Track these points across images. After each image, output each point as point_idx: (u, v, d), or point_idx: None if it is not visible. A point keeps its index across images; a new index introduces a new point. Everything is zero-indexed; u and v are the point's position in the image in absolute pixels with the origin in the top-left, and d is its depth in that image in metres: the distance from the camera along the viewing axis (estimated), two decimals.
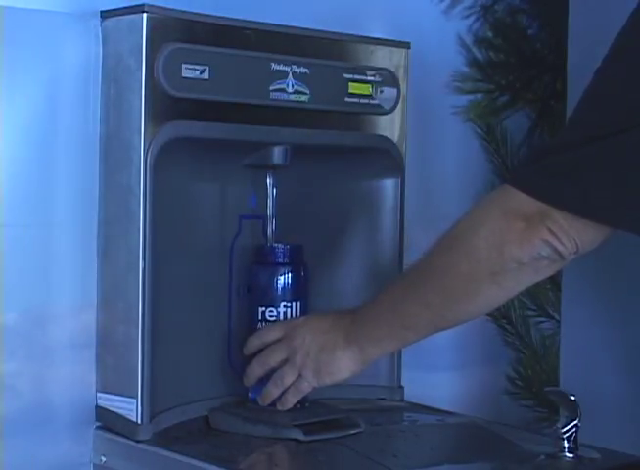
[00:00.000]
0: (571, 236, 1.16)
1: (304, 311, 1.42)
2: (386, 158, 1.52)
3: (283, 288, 1.41)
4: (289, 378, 1.35)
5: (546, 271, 1.21)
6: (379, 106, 1.49)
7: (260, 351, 1.38)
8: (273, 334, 1.38)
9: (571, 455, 1.26)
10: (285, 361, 1.35)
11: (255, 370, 1.38)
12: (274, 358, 1.36)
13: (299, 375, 1.34)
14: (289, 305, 1.41)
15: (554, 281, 1.87)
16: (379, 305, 1.31)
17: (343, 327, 1.32)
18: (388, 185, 1.54)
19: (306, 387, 1.35)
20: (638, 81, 1.12)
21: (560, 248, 1.16)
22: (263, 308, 1.41)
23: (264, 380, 1.38)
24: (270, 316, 1.41)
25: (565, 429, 1.26)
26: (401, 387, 1.55)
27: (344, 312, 1.35)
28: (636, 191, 1.13)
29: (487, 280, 1.20)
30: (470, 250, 1.20)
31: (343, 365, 1.32)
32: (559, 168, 1.15)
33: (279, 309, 1.41)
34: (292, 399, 1.36)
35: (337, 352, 1.32)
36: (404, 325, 1.28)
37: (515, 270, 1.19)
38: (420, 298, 1.25)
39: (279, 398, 1.37)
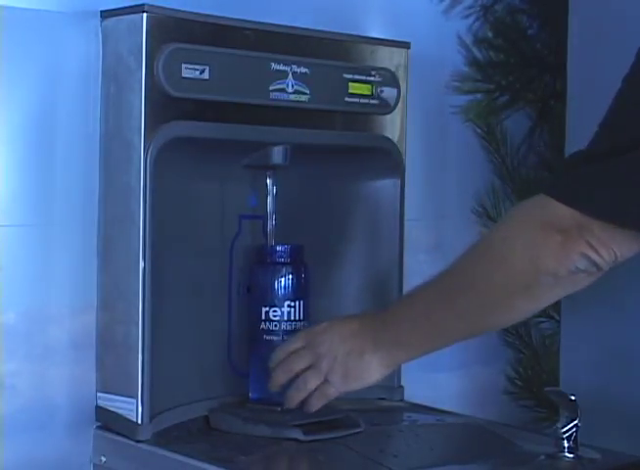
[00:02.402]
0: (609, 247, 1.14)
1: (306, 311, 1.42)
2: (386, 158, 1.52)
3: (287, 288, 1.41)
4: (313, 382, 1.33)
5: (583, 283, 1.20)
6: (379, 106, 1.49)
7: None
8: (296, 344, 1.35)
9: (571, 455, 1.26)
10: (308, 368, 1.33)
11: (279, 377, 1.35)
12: (298, 365, 1.34)
13: (326, 380, 1.32)
14: (292, 304, 1.41)
15: None
16: (411, 309, 1.30)
17: (372, 330, 1.30)
18: (388, 185, 1.54)
19: (333, 392, 1.33)
20: None
21: (598, 260, 1.15)
22: (267, 308, 1.41)
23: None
24: (274, 316, 1.41)
25: (565, 429, 1.26)
26: (401, 387, 1.55)
27: (370, 315, 1.34)
28: None
29: (522, 293, 1.19)
30: (505, 262, 1.19)
31: (373, 369, 1.30)
32: (594, 178, 1.13)
33: (283, 309, 1.41)
34: (316, 404, 1.33)
35: (365, 356, 1.30)
36: (436, 333, 1.27)
37: (551, 284, 1.18)
38: (453, 306, 1.24)
39: (303, 402, 1.34)
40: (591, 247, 1.14)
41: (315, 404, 1.34)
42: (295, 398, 1.34)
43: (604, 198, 1.13)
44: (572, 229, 1.14)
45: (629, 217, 1.13)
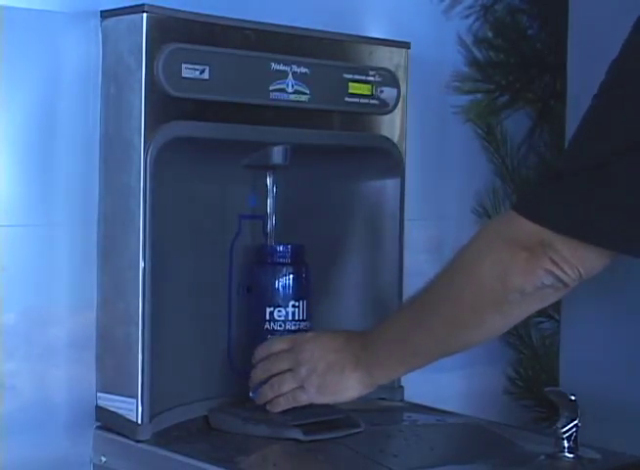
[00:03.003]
0: (573, 264, 1.15)
1: (309, 311, 1.43)
2: (386, 158, 1.52)
3: (291, 288, 1.42)
4: (287, 385, 1.35)
5: (550, 298, 1.21)
6: (379, 106, 1.49)
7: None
8: (280, 345, 1.38)
9: (571, 455, 1.26)
10: (287, 371, 1.35)
11: (257, 374, 1.38)
12: (278, 366, 1.36)
13: (301, 386, 1.34)
14: (297, 304, 1.41)
15: None
16: (386, 332, 1.32)
17: (353, 350, 1.32)
18: (388, 185, 1.54)
19: (304, 399, 1.35)
20: (635, 108, 1.12)
21: (563, 277, 1.16)
22: (271, 308, 1.41)
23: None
24: (279, 316, 1.41)
25: (565, 429, 1.26)
26: (401, 387, 1.55)
27: (354, 334, 1.35)
28: (636, 215, 1.12)
29: (491, 310, 1.21)
30: (473, 280, 1.21)
31: (350, 386, 1.33)
32: (559, 194, 1.15)
33: (287, 309, 1.41)
34: (283, 404, 1.36)
35: (345, 372, 1.32)
36: (411, 352, 1.29)
37: (519, 300, 1.19)
38: (426, 326, 1.26)
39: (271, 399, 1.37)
40: (555, 263, 1.15)
41: (282, 405, 1.35)
42: (266, 395, 1.36)
43: (567, 214, 1.14)
44: (537, 246, 1.15)
45: (592, 233, 1.14)
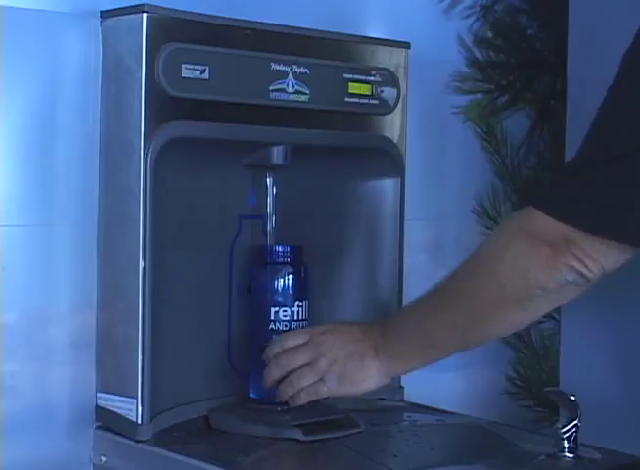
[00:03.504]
0: (596, 259, 1.15)
1: (310, 310, 1.43)
2: (386, 158, 1.52)
3: (295, 287, 1.42)
4: (307, 380, 1.33)
5: (572, 294, 1.21)
6: (379, 106, 1.49)
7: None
8: (295, 340, 1.36)
9: (571, 455, 1.26)
10: (305, 365, 1.34)
11: (273, 373, 1.35)
12: (296, 361, 1.34)
13: (321, 379, 1.33)
14: (300, 304, 1.41)
15: None
16: (404, 323, 1.31)
17: (373, 339, 1.31)
18: (388, 185, 1.54)
19: (324, 392, 1.33)
20: None
21: (585, 272, 1.16)
22: (277, 309, 1.41)
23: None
24: (284, 316, 1.41)
25: (565, 429, 1.26)
26: (401, 387, 1.55)
27: (372, 325, 1.34)
28: None
29: (513, 305, 1.20)
30: (495, 275, 1.20)
31: (370, 375, 1.31)
32: (579, 190, 1.14)
33: (292, 309, 1.41)
34: (305, 399, 1.34)
35: (366, 361, 1.31)
36: (430, 344, 1.28)
37: (540, 296, 1.19)
38: (446, 319, 1.25)
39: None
40: (578, 259, 1.15)
41: (303, 399, 1.34)
42: (286, 392, 1.34)
43: (589, 210, 1.14)
44: (560, 241, 1.15)
45: (614, 229, 1.14)
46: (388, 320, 1.34)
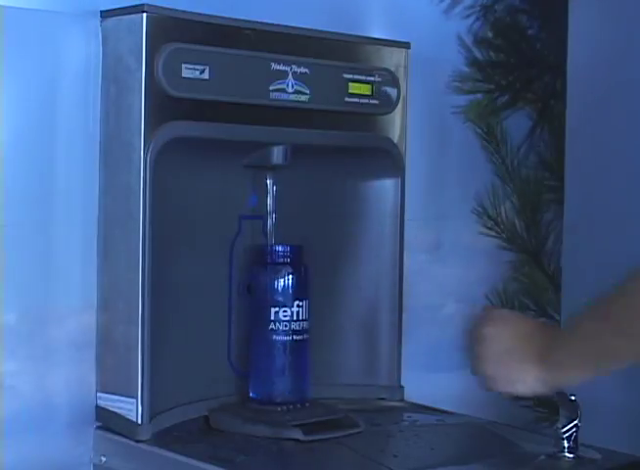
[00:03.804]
0: None
1: (310, 310, 1.43)
2: (386, 158, 1.52)
3: (294, 287, 1.42)
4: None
5: None
6: (379, 106, 1.49)
7: None
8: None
9: (571, 455, 1.26)
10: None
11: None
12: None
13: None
14: (301, 304, 1.41)
15: (554, 281, 1.87)
16: (576, 333, 1.23)
17: (539, 344, 1.24)
18: (388, 185, 1.54)
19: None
20: None
21: None
22: (277, 309, 1.41)
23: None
24: (284, 316, 1.41)
25: (565, 429, 1.26)
26: (401, 387, 1.55)
27: (544, 326, 1.30)
28: None
29: None
30: None
31: (528, 379, 1.23)
32: None
33: (292, 309, 1.41)
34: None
35: (525, 364, 1.23)
36: (604, 355, 1.21)
37: None
38: (625, 331, 1.17)
39: None
40: None
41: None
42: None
43: None
44: None
45: None
46: (557, 331, 1.29)
